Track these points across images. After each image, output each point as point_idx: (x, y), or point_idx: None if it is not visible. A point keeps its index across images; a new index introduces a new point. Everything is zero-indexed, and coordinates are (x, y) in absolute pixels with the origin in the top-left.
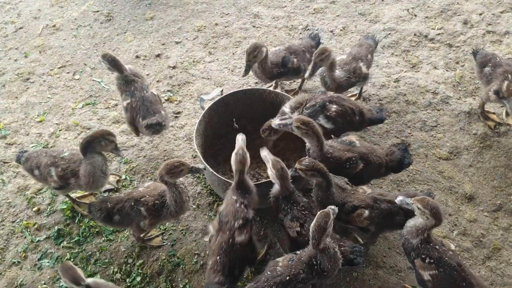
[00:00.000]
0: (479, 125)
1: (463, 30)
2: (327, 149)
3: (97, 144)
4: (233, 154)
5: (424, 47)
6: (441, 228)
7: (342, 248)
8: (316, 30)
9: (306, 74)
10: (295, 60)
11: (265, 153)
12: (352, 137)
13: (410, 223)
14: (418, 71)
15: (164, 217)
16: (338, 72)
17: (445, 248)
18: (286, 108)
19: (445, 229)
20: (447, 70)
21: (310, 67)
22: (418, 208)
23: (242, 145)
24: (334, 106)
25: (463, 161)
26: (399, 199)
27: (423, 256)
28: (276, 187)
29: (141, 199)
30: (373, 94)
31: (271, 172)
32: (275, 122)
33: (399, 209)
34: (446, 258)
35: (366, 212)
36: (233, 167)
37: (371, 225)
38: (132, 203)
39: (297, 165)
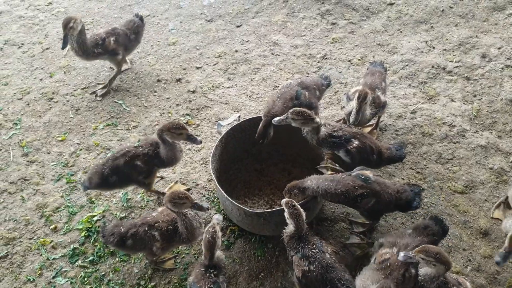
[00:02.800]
0: (495, 159)
1: (481, 63)
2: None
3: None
4: (204, 231)
5: (442, 79)
6: (455, 263)
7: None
8: (335, 60)
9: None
10: (307, 93)
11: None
12: (367, 171)
13: (422, 271)
14: (435, 103)
15: (177, 243)
16: (368, 110)
17: (461, 285)
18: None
19: (459, 264)
20: (464, 103)
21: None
22: (423, 259)
23: (215, 224)
24: (356, 142)
25: (478, 196)
26: (401, 255)
27: None
28: (290, 227)
29: (155, 224)
30: (390, 124)
31: (286, 213)
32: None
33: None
34: None
35: (372, 202)
36: (203, 246)
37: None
38: (146, 228)
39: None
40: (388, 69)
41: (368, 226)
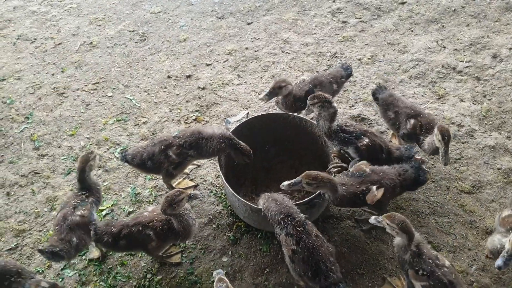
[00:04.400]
0: (503, 160)
1: (492, 64)
2: (340, 189)
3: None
4: None
5: (452, 79)
6: (460, 262)
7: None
8: (345, 58)
9: None
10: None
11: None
12: (362, 165)
13: (395, 241)
14: (445, 103)
15: (172, 240)
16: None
17: (439, 263)
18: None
19: (463, 263)
20: (473, 103)
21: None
22: (388, 225)
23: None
24: (366, 140)
25: (485, 196)
26: (372, 219)
27: (416, 268)
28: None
29: (149, 224)
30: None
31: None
32: (284, 184)
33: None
34: (439, 273)
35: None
36: None
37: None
38: (140, 228)
39: (303, 180)
40: (398, 68)
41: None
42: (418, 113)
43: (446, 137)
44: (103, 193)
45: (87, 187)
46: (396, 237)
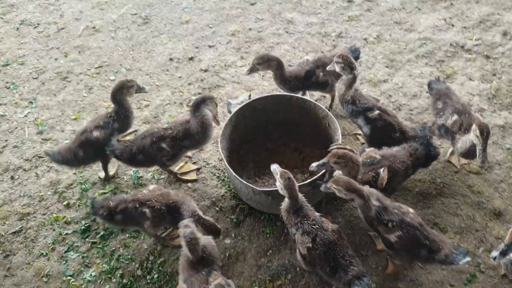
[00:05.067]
0: None
1: (502, 41)
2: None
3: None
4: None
5: (460, 58)
6: (467, 243)
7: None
8: (351, 38)
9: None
10: (321, 74)
11: (274, 167)
12: (370, 152)
13: (355, 204)
14: (453, 82)
15: (167, 223)
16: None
17: (403, 211)
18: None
19: (471, 244)
20: (482, 82)
21: None
22: (335, 188)
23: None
24: (377, 112)
25: (494, 176)
26: (322, 187)
27: (385, 222)
28: (286, 201)
29: (147, 202)
30: (404, 104)
31: (279, 183)
32: (313, 165)
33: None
34: (407, 220)
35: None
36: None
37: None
38: (137, 205)
39: (330, 159)
40: (404, 47)
41: None
42: (465, 111)
43: (485, 132)
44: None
45: (117, 111)
46: (355, 200)
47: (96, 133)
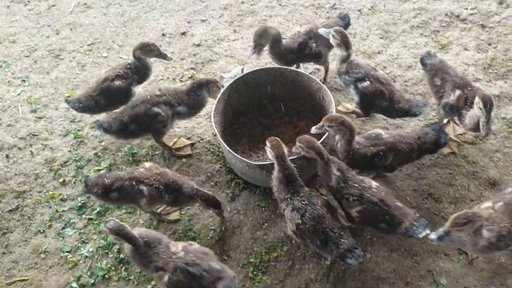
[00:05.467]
0: (508, 109)
1: (498, 10)
2: (354, 145)
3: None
4: None
5: (455, 28)
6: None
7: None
8: (345, 9)
9: None
10: (314, 45)
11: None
12: (378, 129)
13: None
14: (448, 52)
15: (164, 202)
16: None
17: (365, 185)
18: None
19: None
20: (478, 52)
21: None
22: (299, 147)
23: None
24: (367, 83)
25: (489, 146)
26: (312, 129)
27: (346, 196)
28: (276, 168)
29: (145, 180)
30: (399, 75)
31: (268, 150)
32: (313, 128)
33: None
34: (367, 195)
35: (391, 158)
36: None
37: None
38: (134, 183)
39: (324, 123)
40: (399, 18)
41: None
42: (466, 84)
43: (488, 104)
44: (100, 153)
45: (136, 65)
46: (317, 161)
47: (118, 82)
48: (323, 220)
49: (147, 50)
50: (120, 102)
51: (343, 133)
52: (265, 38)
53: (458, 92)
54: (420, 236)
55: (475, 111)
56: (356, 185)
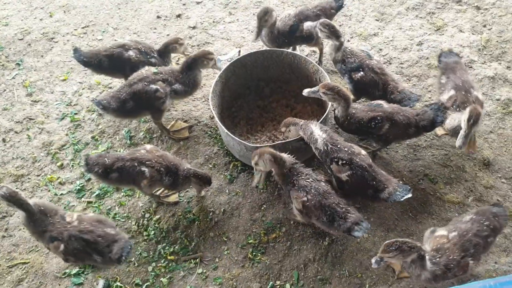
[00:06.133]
0: (503, 91)
1: None
2: (350, 111)
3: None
4: None
5: (451, 10)
6: (456, 193)
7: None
8: None
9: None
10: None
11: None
12: (381, 101)
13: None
14: (443, 34)
15: (163, 185)
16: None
17: (354, 150)
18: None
19: (460, 194)
20: (473, 34)
21: None
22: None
23: None
24: (361, 73)
25: (483, 127)
26: (304, 91)
27: (336, 160)
28: (275, 169)
29: (147, 162)
30: (395, 57)
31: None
32: (305, 91)
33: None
34: (357, 160)
35: (386, 126)
36: None
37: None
38: (136, 164)
39: (320, 89)
40: (394, 0)
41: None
42: (465, 89)
43: (472, 120)
44: (98, 137)
45: (159, 54)
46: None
47: (131, 53)
48: (328, 196)
49: (180, 42)
50: (126, 70)
51: (337, 101)
52: (269, 21)
53: (452, 92)
54: (402, 200)
55: (460, 119)
56: (346, 149)
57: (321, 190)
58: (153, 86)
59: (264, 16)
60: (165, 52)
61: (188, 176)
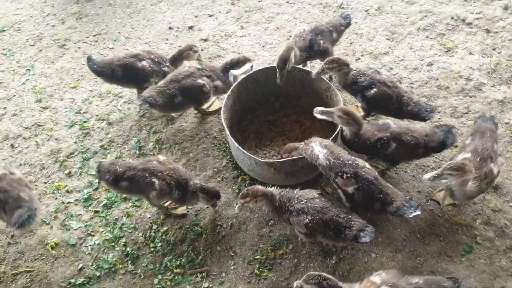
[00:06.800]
0: (511, 114)
1: (503, 15)
2: (362, 130)
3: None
4: None
5: (461, 32)
6: (464, 216)
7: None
8: (352, 9)
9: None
10: (321, 41)
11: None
12: (388, 120)
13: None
14: (453, 56)
15: (171, 198)
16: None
17: (359, 164)
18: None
19: (468, 217)
20: (482, 56)
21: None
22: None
23: None
24: (374, 90)
25: None
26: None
27: (340, 174)
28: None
29: (158, 174)
30: (405, 77)
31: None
32: (318, 109)
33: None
34: (362, 173)
35: (393, 146)
36: None
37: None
38: (147, 175)
39: (337, 112)
40: (405, 20)
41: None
42: (483, 158)
43: (453, 168)
44: (107, 146)
45: (172, 62)
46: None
47: (145, 63)
48: (327, 211)
49: (194, 48)
50: (132, 80)
51: (351, 126)
52: (290, 66)
53: (468, 155)
54: (411, 216)
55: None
56: (350, 162)
57: (318, 207)
58: (200, 81)
59: (285, 66)
60: (178, 59)
61: (195, 191)
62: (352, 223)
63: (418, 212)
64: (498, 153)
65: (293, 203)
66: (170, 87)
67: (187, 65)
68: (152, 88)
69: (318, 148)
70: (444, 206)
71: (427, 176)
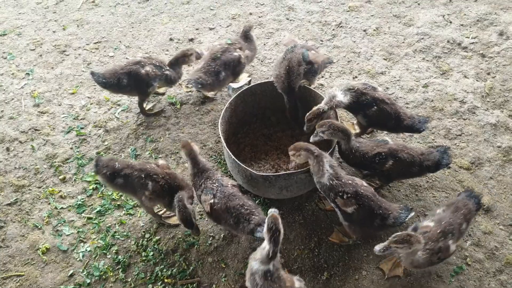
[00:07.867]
0: (504, 138)
1: (498, 41)
2: (355, 144)
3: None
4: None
5: (456, 55)
6: None
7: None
8: (350, 29)
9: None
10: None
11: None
12: (387, 137)
13: (311, 169)
14: (448, 79)
15: (164, 202)
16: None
17: (357, 183)
18: (337, 92)
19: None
20: (477, 80)
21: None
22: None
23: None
24: (375, 107)
25: (484, 173)
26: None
27: (340, 194)
28: (189, 166)
29: (153, 176)
30: (401, 97)
31: (183, 153)
32: (311, 140)
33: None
34: (361, 191)
35: (390, 162)
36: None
37: (392, 171)
38: (143, 175)
39: (318, 129)
40: (403, 41)
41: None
42: (444, 232)
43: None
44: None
45: (171, 67)
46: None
47: (148, 68)
48: (233, 198)
49: (189, 53)
50: (139, 88)
51: (337, 135)
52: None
53: (430, 223)
54: (406, 219)
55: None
56: (350, 182)
57: (226, 193)
58: (236, 54)
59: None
60: (176, 64)
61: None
62: (252, 216)
63: (412, 213)
64: (464, 233)
65: (207, 182)
66: (213, 65)
67: (217, 44)
68: (196, 70)
69: (327, 167)
70: (389, 277)
71: (377, 248)
